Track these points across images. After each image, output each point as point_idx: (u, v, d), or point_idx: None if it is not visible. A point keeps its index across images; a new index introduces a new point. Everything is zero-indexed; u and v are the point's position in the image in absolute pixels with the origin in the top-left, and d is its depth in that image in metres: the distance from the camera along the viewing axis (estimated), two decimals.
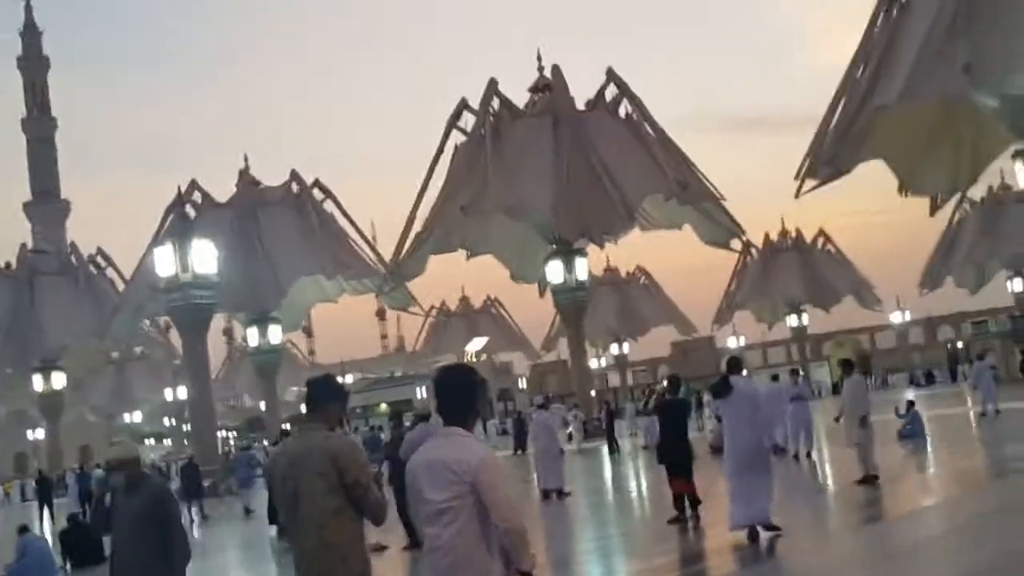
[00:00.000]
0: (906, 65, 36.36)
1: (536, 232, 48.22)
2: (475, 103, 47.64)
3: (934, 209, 46.10)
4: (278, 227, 55.38)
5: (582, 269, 49.32)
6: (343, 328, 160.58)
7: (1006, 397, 31.41)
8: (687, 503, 13.51)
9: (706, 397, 37.12)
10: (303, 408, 5.32)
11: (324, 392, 5.35)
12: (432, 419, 21.60)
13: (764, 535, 11.35)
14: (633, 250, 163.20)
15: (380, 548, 13.30)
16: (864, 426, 15.96)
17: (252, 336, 57.17)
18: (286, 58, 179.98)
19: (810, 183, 39.41)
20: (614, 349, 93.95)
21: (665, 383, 15.00)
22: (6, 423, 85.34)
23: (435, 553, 4.67)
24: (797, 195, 40.20)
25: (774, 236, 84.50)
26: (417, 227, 46.45)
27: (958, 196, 67.47)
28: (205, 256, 37.71)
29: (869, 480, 15.99)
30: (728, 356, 12.69)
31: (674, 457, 13.51)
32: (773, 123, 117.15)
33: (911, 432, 23.95)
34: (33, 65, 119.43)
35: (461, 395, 4.78)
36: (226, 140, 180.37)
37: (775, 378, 32.88)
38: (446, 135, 47.52)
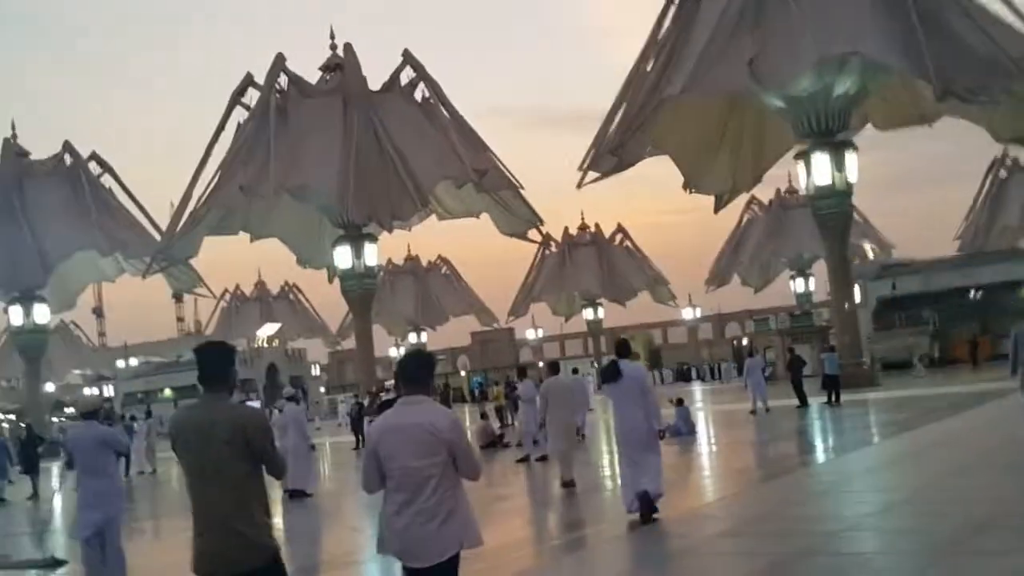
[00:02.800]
0: (693, 59, 36.83)
1: (323, 216, 46.30)
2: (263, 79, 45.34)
3: (718, 207, 47.30)
4: (46, 201, 51.51)
5: (372, 255, 47.65)
6: (139, 310, 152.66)
7: (779, 395, 31.85)
8: None
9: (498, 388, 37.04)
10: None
11: (223, 360, 5.37)
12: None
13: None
14: (436, 239, 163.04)
15: None
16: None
17: (15, 315, 52.98)
18: (65, 27, 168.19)
19: (593, 174, 39.54)
20: (412, 338, 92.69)
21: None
22: None
23: (420, 516, 5.13)
24: (579, 185, 40.18)
25: (573, 231, 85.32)
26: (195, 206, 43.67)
27: (747, 197, 70.59)
28: None
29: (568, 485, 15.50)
30: (618, 339, 12.13)
31: None
32: (579, 119, 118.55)
33: (677, 430, 23.71)
34: None
35: (423, 371, 5.48)
36: None
37: (575, 371, 32.33)
38: (228, 111, 44.73)
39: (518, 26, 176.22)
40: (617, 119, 38.77)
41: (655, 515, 11.06)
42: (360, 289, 48.05)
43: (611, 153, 37.64)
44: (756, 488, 14.24)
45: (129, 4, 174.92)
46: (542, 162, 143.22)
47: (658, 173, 43.64)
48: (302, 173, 42.79)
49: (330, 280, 50.35)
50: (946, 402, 26.22)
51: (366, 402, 33.07)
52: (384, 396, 14.48)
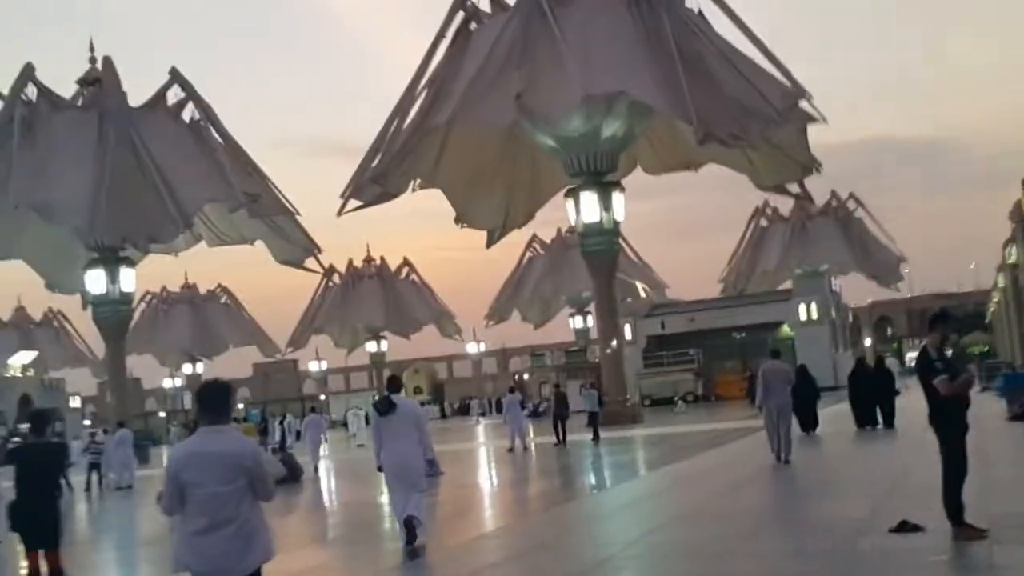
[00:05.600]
0: (461, 92, 36.48)
1: (75, 237, 43.18)
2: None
3: (490, 243, 47.15)
4: None
5: (128, 280, 44.81)
6: None
7: (546, 431, 31.58)
8: None
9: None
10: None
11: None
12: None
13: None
14: (215, 268, 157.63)
15: None
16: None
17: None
18: None
19: (355, 203, 38.49)
20: (188, 368, 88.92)
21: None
22: None
23: (225, 536, 5.46)
24: (340, 213, 39.03)
25: (358, 263, 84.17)
26: None
27: (528, 235, 71.31)
28: None
29: None
30: (389, 375, 12.69)
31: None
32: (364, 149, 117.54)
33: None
34: None
35: (222, 400, 5.74)
36: None
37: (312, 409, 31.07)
38: None
39: (305, 53, 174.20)
40: (383, 149, 37.91)
41: (418, 542, 11.38)
42: (115, 316, 45.15)
43: (373, 182, 36.67)
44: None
45: None
46: (329, 192, 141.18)
47: (445, 209, 43.25)
48: (48, 190, 39.81)
49: (84, 307, 47.22)
50: (699, 439, 26.68)
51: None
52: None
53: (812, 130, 40.37)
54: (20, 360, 73.96)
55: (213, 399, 5.72)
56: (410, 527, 11.40)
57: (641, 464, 23.70)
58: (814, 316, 59.53)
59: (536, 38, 37.39)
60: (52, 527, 10.12)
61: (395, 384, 12.18)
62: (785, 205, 71.44)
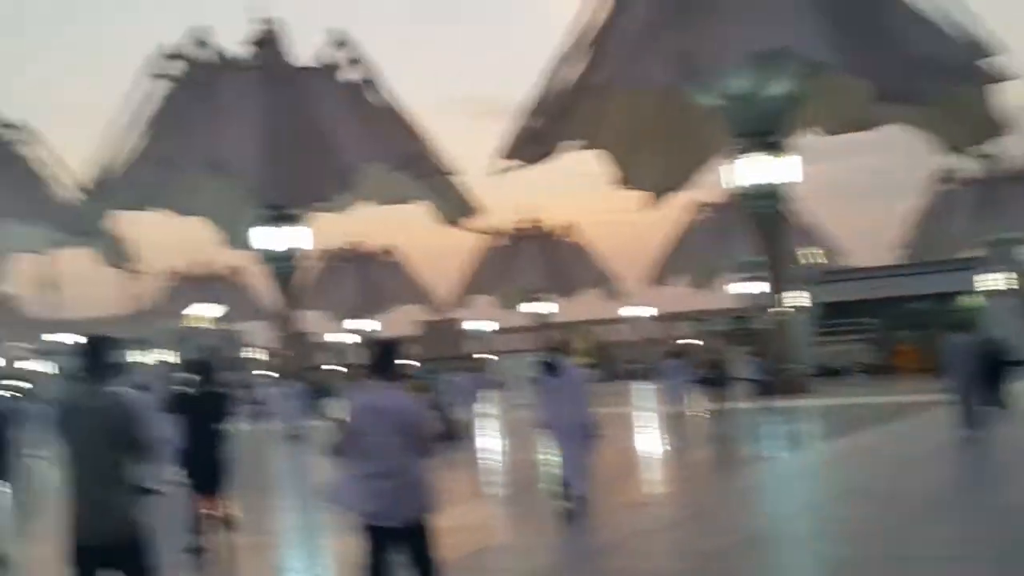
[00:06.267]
0: (622, 49, 35.61)
1: (249, 196, 44.61)
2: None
3: (651, 205, 46.19)
4: None
5: (299, 238, 46.04)
6: (95, 286, 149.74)
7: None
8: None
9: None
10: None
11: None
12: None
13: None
14: (383, 228, 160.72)
15: None
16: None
17: None
18: None
19: (512, 162, 38.13)
20: (356, 325, 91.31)
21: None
22: None
23: (392, 477, 5.91)
24: (495, 173, 38.75)
25: (521, 224, 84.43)
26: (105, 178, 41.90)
27: (693, 197, 69.75)
28: None
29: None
30: (552, 338, 12.79)
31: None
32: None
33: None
34: None
35: (391, 357, 6.18)
36: None
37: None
38: (147, 82, 43.11)
39: (470, 13, 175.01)
40: (541, 108, 37.46)
41: (577, 503, 11.45)
42: (287, 273, 46.58)
43: (530, 141, 36.29)
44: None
45: None
46: (492, 153, 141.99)
47: (605, 171, 42.87)
48: (222, 149, 41.15)
49: (258, 263, 48.85)
50: (873, 412, 25.56)
51: None
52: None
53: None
54: (205, 312, 77.57)
55: (384, 356, 6.20)
56: (569, 488, 11.68)
57: (807, 436, 22.74)
58: (1006, 286, 56.24)
59: None
60: (220, 473, 10.49)
61: (559, 347, 12.61)
62: (971, 168, 67.48)
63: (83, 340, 6.04)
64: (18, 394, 31.49)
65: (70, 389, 6.10)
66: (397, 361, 6.21)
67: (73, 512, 5.77)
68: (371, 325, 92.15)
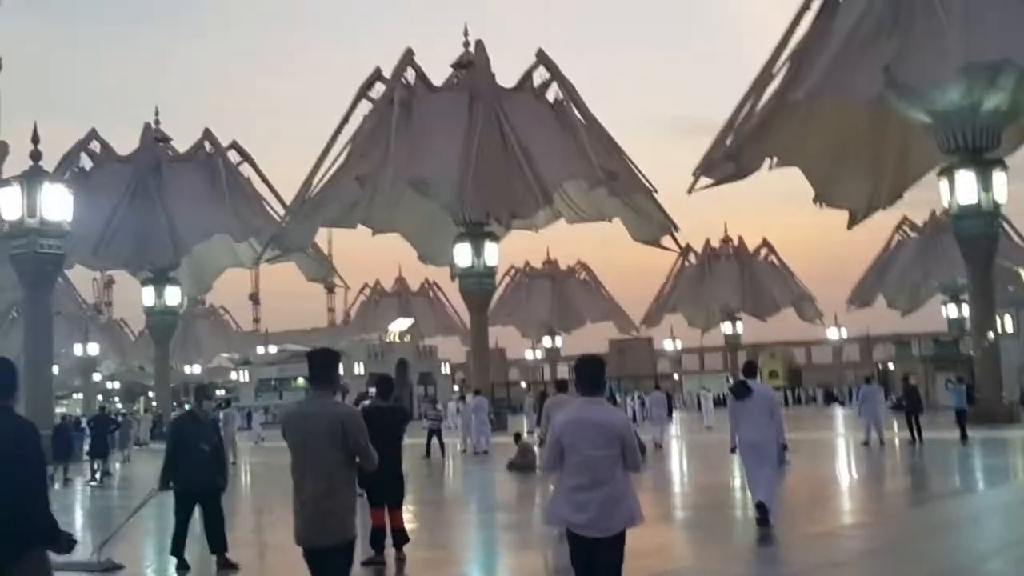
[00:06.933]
0: (824, 65, 34.62)
1: (445, 211, 45.87)
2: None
3: (852, 224, 44.65)
4: (183, 185, 52.85)
5: (491, 254, 47.01)
6: (293, 299, 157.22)
7: (902, 426, 29.48)
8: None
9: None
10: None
11: (329, 364, 6.41)
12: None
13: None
14: (575, 245, 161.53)
15: None
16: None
17: (147, 296, 54.69)
18: (203, 13, 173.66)
19: (706, 180, 37.59)
20: (547, 342, 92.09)
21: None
22: None
23: (600, 496, 5.99)
24: (690, 190, 38.35)
25: (715, 242, 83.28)
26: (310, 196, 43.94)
27: (898, 217, 67.09)
28: (58, 201, 34.18)
29: None
30: (745, 359, 12.63)
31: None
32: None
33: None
34: None
35: (599, 375, 6.36)
36: (138, 94, 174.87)
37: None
38: (355, 103, 44.93)
39: (669, 31, 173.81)
40: (738, 125, 36.85)
41: (770, 523, 11.64)
42: (479, 288, 47.53)
43: (727, 158, 35.74)
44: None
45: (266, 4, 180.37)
46: (688, 171, 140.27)
47: (802, 188, 41.75)
48: (422, 167, 42.52)
49: (452, 278, 50.05)
50: None
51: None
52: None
53: None
54: (398, 327, 79.99)
55: (589, 372, 6.31)
56: (763, 510, 11.74)
57: (1013, 469, 21.51)
58: None
59: (911, 3, 34.76)
60: (397, 487, 10.78)
61: (751, 368, 12.63)
62: None
63: (312, 352, 6.43)
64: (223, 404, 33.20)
65: (301, 397, 6.54)
66: (600, 376, 6.33)
67: (299, 514, 6.14)
68: (561, 342, 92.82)
